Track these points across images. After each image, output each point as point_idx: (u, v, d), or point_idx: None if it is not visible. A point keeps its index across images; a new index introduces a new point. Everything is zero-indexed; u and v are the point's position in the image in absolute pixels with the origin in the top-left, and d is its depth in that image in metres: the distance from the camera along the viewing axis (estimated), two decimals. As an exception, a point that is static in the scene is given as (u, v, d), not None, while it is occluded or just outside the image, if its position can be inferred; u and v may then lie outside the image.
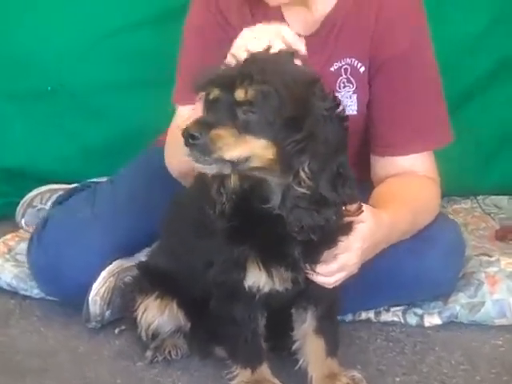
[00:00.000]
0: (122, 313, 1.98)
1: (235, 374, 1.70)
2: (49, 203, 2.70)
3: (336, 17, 1.91)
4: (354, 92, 1.96)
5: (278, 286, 1.58)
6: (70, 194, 2.47)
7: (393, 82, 1.91)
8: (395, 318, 2.03)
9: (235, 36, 1.81)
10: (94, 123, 2.90)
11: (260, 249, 1.54)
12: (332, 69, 1.95)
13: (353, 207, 1.55)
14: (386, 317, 2.04)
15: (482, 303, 1.99)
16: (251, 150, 1.41)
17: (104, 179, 2.61)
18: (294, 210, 1.44)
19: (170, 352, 1.87)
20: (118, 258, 2.10)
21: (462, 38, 2.60)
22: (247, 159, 1.42)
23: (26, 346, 1.99)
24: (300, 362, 1.72)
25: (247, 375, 1.67)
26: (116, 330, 2.03)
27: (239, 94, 1.41)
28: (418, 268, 1.89)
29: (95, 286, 2.02)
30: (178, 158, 1.87)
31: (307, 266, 1.55)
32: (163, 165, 2.20)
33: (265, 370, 1.69)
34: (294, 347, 1.73)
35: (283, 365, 1.74)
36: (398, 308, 2.05)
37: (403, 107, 1.92)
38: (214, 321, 1.70)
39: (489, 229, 2.52)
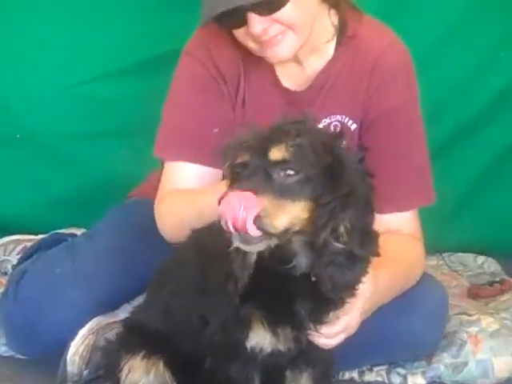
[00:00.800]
0: (104, 372, 1.91)
1: None
2: (13, 254, 2.64)
3: (328, 74, 1.94)
4: None
5: (282, 347, 1.55)
6: (38, 246, 2.39)
7: (379, 139, 1.94)
8: (379, 378, 2.03)
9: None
10: (62, 172, 2.87)
11: (265, 307, 1.51)
12: (320, 125, 1.97)
13: None
14: (370, 377, 2.03)
15: (465, 363, 2.01)
16: (294, 215, 1.37)
17: (72, 230, 2.56)
18: (330, 266, 1.40)
19: (154, 414, 1.80)
20: (97, 315, 2.03)
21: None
22: (293, 226, 1.38)
23: (-1, 407, 1.90)
24: (293, 425, 1.69)
25: None
26: (93, 391, 1.95)
27: (275, 154, 1.36)
28: (403, 328, 1.90)
29: (73, 345, 1.95)
30: (172, 220, 1.85)
31: (312, 326, 1.53)
32: (143, 220, 2.16)
33: (261, 431, 1.65)
34: (286, 408, 1.70)
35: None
36: (381, 368, 2.05)
37: (392, 165, 1.94)
38: (208, 381, 1.65)
39: (459, 287, 2.56)
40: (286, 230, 1.37)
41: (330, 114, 1.96)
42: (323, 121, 1.96)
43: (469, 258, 2.81)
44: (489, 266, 2.74)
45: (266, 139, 1.39)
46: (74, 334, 1.96)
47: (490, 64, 2.74)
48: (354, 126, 1.97)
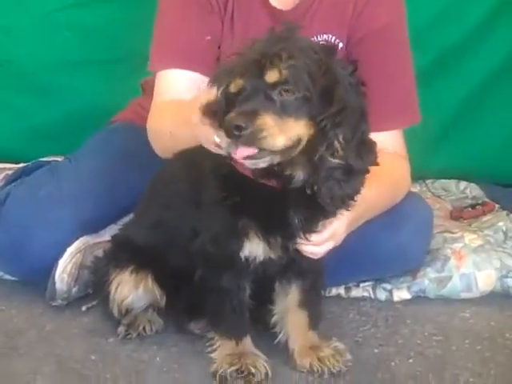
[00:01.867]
0: (93, 288, 1.92)
1: (217, 345, 1.67)
2: (-5, 181, 2.60)
3: None
4: None
5: (273, 255, 1.56)
6: (21, 173, 2.37)
7: (370, 57, 1.92)
8: (365, 294, 2.06)
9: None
10: (42, 101, 2.83)
11: (260, 219, 1.52)
12: None
13: None
14: (356, 292, 2.06)
15: (449, 277, 2.04)
16: (297, 133, 1.38)
17: (54, 158, 2.53)
18: (328, 180, 1.41)
19: (144, 328, 1.82)
20: (83, 235, 2.03)
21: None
22: (298, 143, 1.39)
23: (-12, 325, 1.90)
24: (280, 336, 1.72)
25: (231, 347, 1.65)
26: (83, 308, 1.97)
27: (272, 75, 1.37)
28: (392, 243, 1.93)
29: (61, 263, 1.95)
30: (163, 136, 1.82)
31: (303, 235, 1.54)
32: (126, 143, 2.16)
33: (248, 342, 1.67)
34: (273, 320, 1.72)
35: (262, 338, 1.72)
36: (367, 284, 2.07)
37: (378, 84, 1.92)
38: (198, 291, 1.67)
39: (443, 209, 2.58)
40: (287, 148, 1.38)
41: (316, 33, 1.94)
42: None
43: (451, 183, 2.83)
44: (471, 190, 2.76)
45: (259, 62, 1.38)
46: (60, 253, 1.95)
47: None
48: (340, 45, 1.95)
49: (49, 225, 1.96)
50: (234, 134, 1.35)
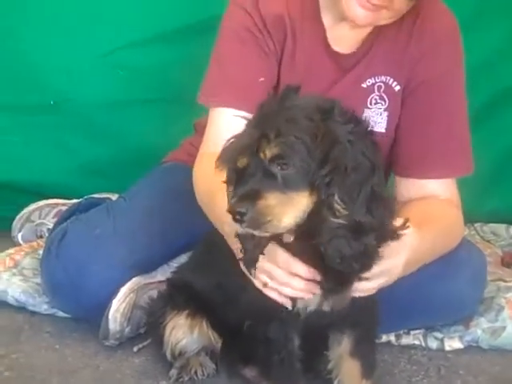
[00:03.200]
0: (146, 329, 1.94)
1: (270, 395, 1.67)
2: (48, 218, 2.66)
3: (376, 35, 1.94)
4: (385, 110, 1.98)
5: (327, 307, 1.56)
6: (75, 209, 2.42)
7: (427, 104, 1.94)
8: (416, 342, 2.04)
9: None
10: (95, 140, 2.87)
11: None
12: (364, 85, 1.98)
13: (399, 222, 1.54)
14: (407, 340, 2.04)
15: (503, 328, 2.01)
16: (303, 208, 1.39)
17: (106, 195, 2.58)
18: (332, 241, 1.41)
19: (196, 371, 1.83)
20: (136, 275, 2.05)
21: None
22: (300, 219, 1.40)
23: (43, 363, 1.92)
24: (335, 383, 1.71)
25: (283, 396, 1.65)
26: (134, 349, 1.98)
27: (267, 152, 1.38)
28: (446, 291, 1.91)
29: (115, 302, 1.98)
30: (202, 197, 1.85)
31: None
32: (178, 183, 2.17)
33: (301, 390, 1.67)
34: (329, 367, 1.72)
35: (316, 386, 1.72)
36: (417, 331, 2.06)
37: (435, 131, 1.95)
38: (248, 341, 1.67)
39: (493, 255, 2.55)
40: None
41: (374, 75, 1.97)
42: (367, 81, 1.97)
43: (501, 228, 2.81)
44: (521, 236, 2.73)
45: (257, 137, 1.40)
46: (113, 292, 1.98)
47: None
48: (397, 88, 1.97)
49: (104, 263, 1.99)
50: (237, 219, 1.37)
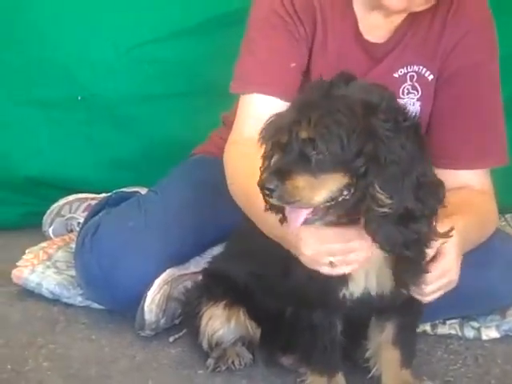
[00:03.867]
0: (182, 320, 1.95)
1: (308, 381, 1.68)
2: (78, 212, 2.67)
3: (408, 27, 1.93)
4: (417, 99, 1.97)
5: (373, 292, 1.57)
6: (105, 203, 2.42)
7: (462, 93, 1.92)
8: (452, 331, 2.03)
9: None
10: (123, 134, 2.88)
11: None
12: (396, 75, 1.96)
13: (444, 229, 1.55)
14: (443, 330, 2.03)
15: (541, 317, 2.00)
16: (332, 187, 1.42)
17: (135, 189, 2.59)
18: (380, 229, 1.43)
19: (233, 361, 1.83)
20: (170, 267, 2.06)
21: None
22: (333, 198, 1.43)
23: (80, 353, 1.94)
24: (373, 371, 1.71)
25: (323, 383, 1.65)
26: (170, 339, 1.99)
27: (303, 133, 1.41)
28: (482, 281, 1.90)
29: (150, 294, 1.98)
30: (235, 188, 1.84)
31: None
32: (209, 175, 2.17)
33: (340, 378, 1.67)
34: (367, 355, 1.72)
35: (356, 373, 1.72)
36: (453, 321, 2.05)
37: (470, 121, 1.94)
38: (289, 328, 1.67)
39: (525, 246, 2.53)
40: (328, 202, 1.43)
41: (407, 64, 1.95)
42: (399, 70, 1.96)
43: (532, 219, 2.79)
44: (552, 225, 2.71)
45: (294, 120, 1.43)
46: (148, 284, 1.99)
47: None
48: (431, 77, 1.95)
49: (138, 256, 2.00)
50: (267, 194, 1.42)
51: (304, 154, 1.41)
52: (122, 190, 2.58)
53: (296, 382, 1.72)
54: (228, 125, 2.31)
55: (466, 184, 1.97)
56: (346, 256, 1.52)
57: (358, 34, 1.95)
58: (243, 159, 1.84)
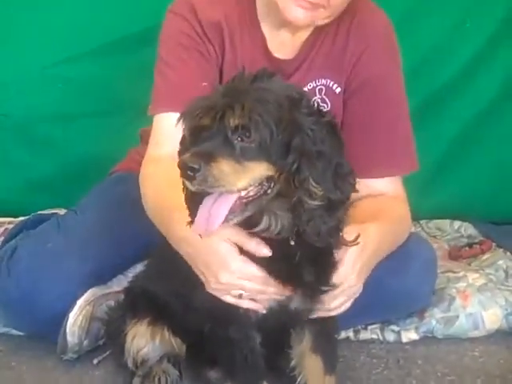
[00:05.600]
0: (106, 339, 1.92)
1: (234, 395, 1.68)
2: (-6, 236, 2.59)
3: (314, 42, 1.98)
4: None
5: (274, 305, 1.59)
6: (22, 226, 2.37)
7: (368, 104, 1.98)
8: (374, 336, 2.08)
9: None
10: (39, 155, 2.84)
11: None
12: (305, 89, 2.00)
13: (350, 237, 1.60)
14: (365, 335, 2.08)
15: (456, 317, 2.07)
16: (255, 175, 1.42)
17: (54, 211, 2.54)
18: (311, 221, 1.46)
19: (159, 378, 1.82)
20: (91, 287, 2.03)
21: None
22: (270, 180, 1.44)
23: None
24: (298, 380, 1.73)
25: (247, 395, 1.66)
26: (94, 361, 1.96)
27: (232, 120, 1.41)
28: (399, 285, 1.95)
29: (72, 316, 1.95)
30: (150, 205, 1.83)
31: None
32: (128, 193, 2.14)
33: (265, 388, 1.68)
34: (291, 364, 1.73)
35: (282, 382, 1.75)
36: (375, 326, 2.10)
37: (377, 131, 1.99)
38: (210, 344, 1.68)
39: (440, 249, 2.61)
40: (256, 196, 1.44)
41: (315, 78, 2.00)
42: (308, 84, 2.00)
43: (445, 223, 2.88)
44: (465, 229, 2.81)
45: (222, 105, 1.42)
46: (70, 305, 1.95)
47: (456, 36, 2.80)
48: (338, 90, 2.01)
49: (58, 277, 1.96)
50: (189, 174, 1.38)
51: (229, 139, 1.40)
52: (40, 212, 2.53)
53: (223, 396, 1.72)
54: (145, 140, 2.29)
55: (380, 192, 2.03)
56: (255, 295, 1.56)
57: (267, 52, 1.99)
58: (159, 176, 1.85)
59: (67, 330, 1.93)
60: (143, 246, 2.02)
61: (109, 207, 2.19)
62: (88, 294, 2.00)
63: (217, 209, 1.44)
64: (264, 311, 1.59)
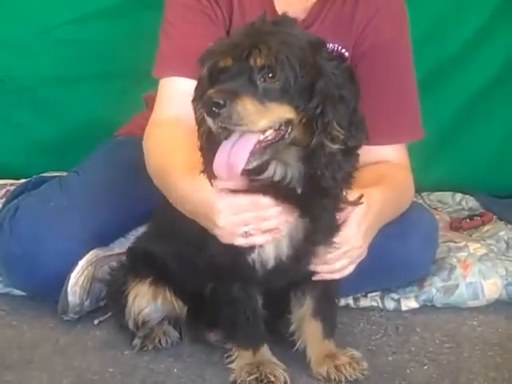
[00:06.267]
0: (108, 299, 1.93)
1: (235, 356, 1.69)
2: (-4, 197, 2.60)
3: (323, 5, 1.96)
4: None
5: (284, 257, 1.59)
6: (24, 188, 2.36)
7: (376, 69, 1.96)
8: (373, 303, 2.09)
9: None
10: (43, 116, 2.83)
11: None
12: None
13: (354, 197, 1.61)
14: (365, 302, 2.09)
15: (456, 286, 2.08)
16: (277, 116, 1.42)
17: (56, 173, 2.54)
18: (330, 165, 1.47)
19: (159, 340, 1.83)
20: (94, 248, 2.03)
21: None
22: (288, 124, 1.44)
23: (1, 339, 1.89)
24: (298, 344, 1.74)
25: (249, 357, 1.67)
26: (95, 321, 1.97)
27: (256, 60, 1.41)
28: (400, 252, 1.96)
29: (73, 276, 1.95)
30: (154, 170, 1.83)
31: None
32: (131, 156, 2.14)
33: (266, 351, 1.69)
34: (291, 329, 1.75)
35: (281, 347, 1.75)
36: (375, 294, 2.11)
37: (384, 98, 1.98)
38: (212, 305, 1.68)
39: (442, 221, 2.60)
40: (276, 138, 1.44)
41: None
42: None
43: (447, 196, 2.88)
44: (466, 202, 2.81)
45: (247, 44, 1.42)
46: (72, 265, 1.96)
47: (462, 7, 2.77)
48: (346, 54, 1.99)
49: (60, 235, 1.96)
50: (213, 110, 1.38)
51: (252, 79, 1.41)
52: (42, 175, 2.53)
53: (223, 358, 1.73)
54: (151, 105, 2.28)
55: (384, 159, 2.03)
56: (259, 224, 1.54)
57: (275, 14, 1.96)
58: (163, 137, 1.85)
59: (68, 289, 1.94)
60: (145, 210, 2.01)
61: (111, 170, 2.19)
62: (90, 255, 2.00)
63: (236, 152, 1.43)
64: (283, 234, 1.56)
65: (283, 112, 1.43)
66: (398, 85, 2.01)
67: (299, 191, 1.51)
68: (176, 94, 1.92)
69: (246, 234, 1.54)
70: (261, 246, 1.57)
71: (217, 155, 1.45)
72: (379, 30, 1.96)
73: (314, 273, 1.69)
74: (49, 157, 2.80)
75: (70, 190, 2.10)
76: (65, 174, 2.44)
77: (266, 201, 1.53)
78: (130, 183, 2.11)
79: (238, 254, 1.58)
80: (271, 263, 1.60)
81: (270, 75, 1.41)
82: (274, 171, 1.51)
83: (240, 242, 1.55)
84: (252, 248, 1.57)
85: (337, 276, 1.67)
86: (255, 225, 1.54)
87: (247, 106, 1.39)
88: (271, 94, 1.41)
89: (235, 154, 1.43)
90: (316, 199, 1.54)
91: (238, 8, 1.95)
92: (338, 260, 1.66)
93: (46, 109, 2.81)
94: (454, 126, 2.91)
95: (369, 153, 1.99)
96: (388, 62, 1.97)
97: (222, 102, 1.37)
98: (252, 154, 1.44)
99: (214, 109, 1.38)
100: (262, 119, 1.41)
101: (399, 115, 2.02)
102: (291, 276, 1.68)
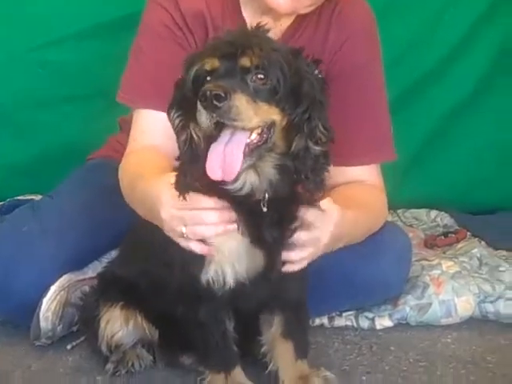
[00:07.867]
0: (80, 324, 1.92)
1: (208, 380, 1.68)
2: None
3: (296, 30, 1.98)
4: None
5: (242, 278, 1.57)
6: (-2, 212, 2.36)
7: (348, 92, 1.98)
8: (348, 323, 2.09)
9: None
10: (18, 139, 2.83)
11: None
12: None
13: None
14: (339, 322, 2.09)
15: (429, 304, 2.09)
16: (269, 116, 1.44)
17: (30, 197, 2.53)
18: (315, 167, 1.49)
19: (132, 363, 1.82)
20: (66, 273, 2.02)
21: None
22: (271, 127, 1.45)
23: (-28, 367, 1.88)
24: (270, 366, 1.73)
25: (221, 380, 1.66)
26: (68, 346, 1.95)
27: (247, 60, 1.43)
28: (373, 272, 1.96)
29: (45, 301, 1.94)
30: (126, 191, 1.85)
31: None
32: (105, 179, 2.15)
33: (238, 373, 1.68)
34: (263, 350, 1.74)
35: (255, 369, 1.74)
36: (349, 313, 2.11)
37: (357, 119, 2.00)
38: (183, 328, 1.68)
39: (416, 238, 2.64)
40: (258, 126, 1.45)
41: None
42: None
43: (422, 213, 2.91)
44: (441, 219, 2.84)
45: (240, 44, 1.44)
46: (43, 291, 1.94)
47: (435, 27, 2.81)
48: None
49: (32, 261, 1.95)
50: (213, 104, 1.38)
51: (243, 79, 1.42)
52: (16, 198, 2.52)
53: (196, 382, 1.72)
54: (125, 128, 2.30)
55: (357, 179, 2.04)
56: (195, 227, 1.53)
57: None
58: (135, 159, 1.89)
59: (41, 315, 1.92)
60: (119, 233, 2.01)
61: (85, 193, 2.18)
62: (63, 280, 1.99)
63: (231, 152, 1.44)
64: (214, 254, 1.54)
65: (271, 113, 1.45)
66: (368, 107, 2.03)
67: (264, 210, 1.51)
68: (150, 127, 1.95)
69: (182, 235, 1.54)
70: (218, 265, 1.56)
71: (209, 157, 1.45)
72: (350, 55, 1.98)
73: (282, 293, 1.67)
74: (24, 179, 2.79)
75: (43, 215, 2.09)
76: (40, 196, 2.45)
77: (208, 202, 1.52)
78: (103, 206, 2.11)
79: (194, 272, 1.57)
80: (230, 284, 1.58)
81: (261, 76, 1.44)
82: (244, 183, 1.50)
83: (182, 243, 1.55)
84: (203, 267, 1.56)
85: (295, 267, 1.62)
86: (191, 225, 1.53)
87: (243, 102, 1.40)
88: (261, 94, 1.43)
89: (230, 154, 1.44)
90: (279, 221, 1.54)
91: (213, 32, 1.96)
92: (300, 250, 1.62)
93: (20, 131, 2.81)
94: (428, 142, 2.94)
95: (341, 173, 2.02)
96: (357, 85, 1.99)
97: (222, 94, 1.37)
98: (244, 155, 1.45)
99: (214, 101, 1.38)
100: (256, 117, 1.42)
101: (373, 137, 2.04)
102: (258, 297, 1.67)
